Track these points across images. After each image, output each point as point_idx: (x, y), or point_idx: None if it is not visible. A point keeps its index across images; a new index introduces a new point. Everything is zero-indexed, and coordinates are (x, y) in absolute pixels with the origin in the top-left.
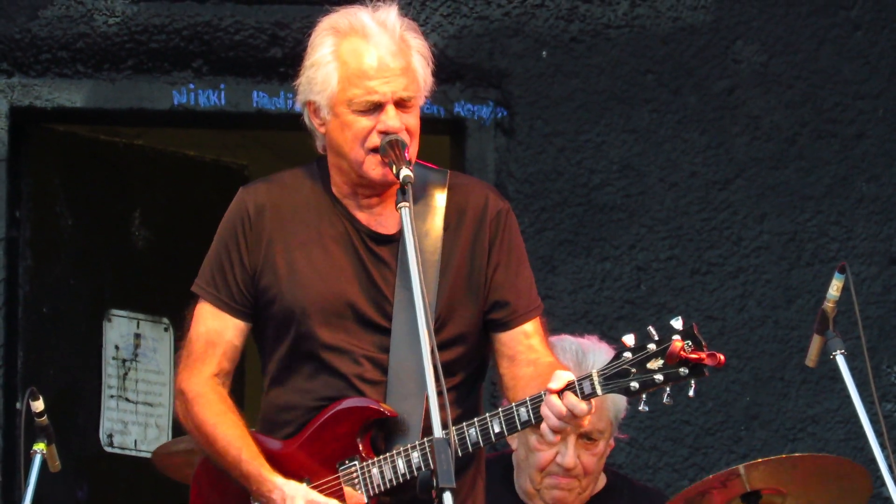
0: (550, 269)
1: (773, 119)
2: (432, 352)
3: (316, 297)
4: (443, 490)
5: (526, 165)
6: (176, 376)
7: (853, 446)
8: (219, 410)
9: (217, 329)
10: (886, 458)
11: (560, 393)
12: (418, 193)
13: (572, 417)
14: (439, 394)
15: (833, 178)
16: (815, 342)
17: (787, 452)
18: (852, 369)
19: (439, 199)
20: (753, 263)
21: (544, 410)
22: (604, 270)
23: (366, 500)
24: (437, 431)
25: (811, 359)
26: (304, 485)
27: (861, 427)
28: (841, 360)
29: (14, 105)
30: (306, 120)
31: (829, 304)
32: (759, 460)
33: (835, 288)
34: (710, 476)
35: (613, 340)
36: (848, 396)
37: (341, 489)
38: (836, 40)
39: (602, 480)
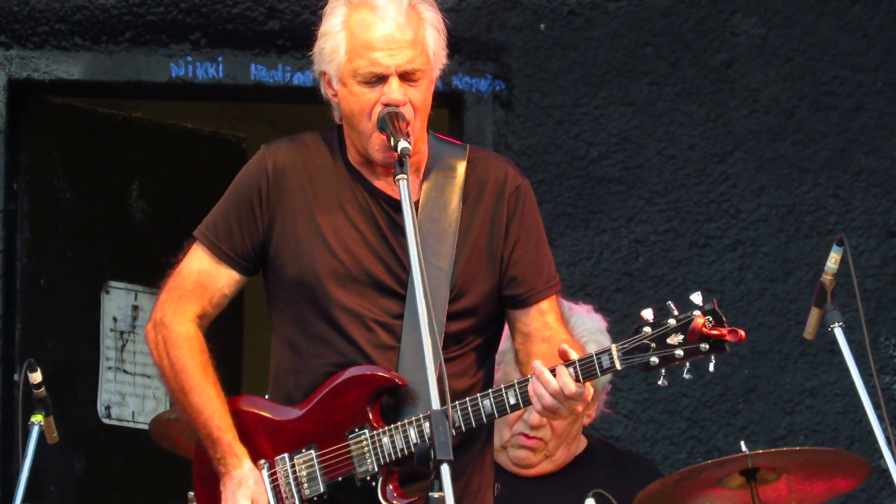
0: (549, 242)
1: (772, 92)
2: (431, 328)
3: (331, 261)
4: (440, 462)
5: (524, 138)
6: (157, 303)
7: (851, 419)
8: (199, 361)
9: (210, 272)
10: (884, 430)
11: (555, 370)
12: (437, 165)
13: (564, 398)
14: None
15: (831, 151)
16: (814, 315)
17: (784, 425)
18: (850, 342)
19: (459, 172)
20: (752, 236)
21: (538, 389)
22: (602, 243)
23: (376, 469)
24: (435, 404)
25: (809, 331)
26: (265, 472)
27: (859, 399)
28: (839, 333)
29: (12, 77)
30: (321, 90)
31: (827, 277)
32: (760, 451)
33: (833, 260)
34: (710, 461)
35: (611, 313)
36: (846, 369)
37: (350, 458)
38: (835, 13)
39: (583, 444)
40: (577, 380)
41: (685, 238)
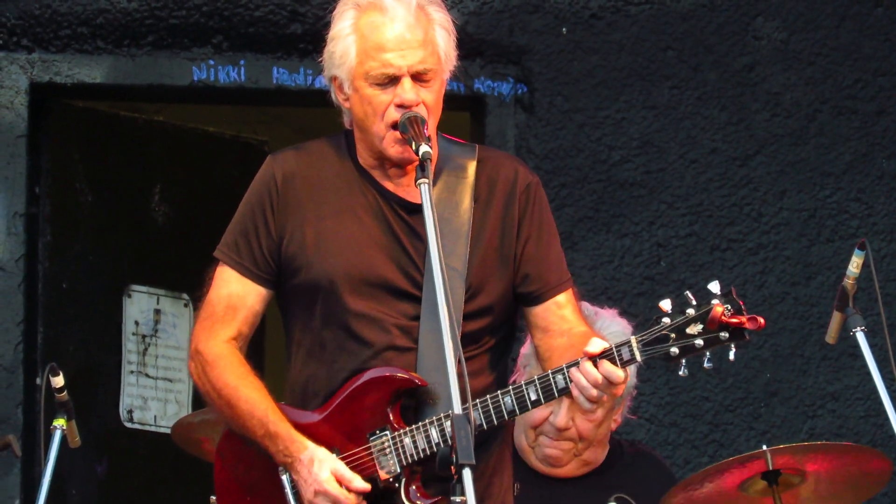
0: (570, 246)
1: (794, 96)
2: (451, 327)
3: (345, 266)
4: (462, 466)
5: (546, 142)
6: (192, 336)
7: (873, 423)
8: (240, 373)
9: (239, 293)
10: None
11: (595, 361)
12: (447, 166)
13: (608, 385)
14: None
15: (853, 155)
16: (835, 319)
17: (806, 429)
18: (872, 346)
19: (469, 171)
20: (773, 240)
21: (578, 378)
22: (623, 247)
23: (399, 470)
24: (457, 407)
25: (831, 335)
26: (286, 477)
27: (881, 404)
28: (861, 337)
29: (34, 81)
30: (332, 95)
31: (848, 281)
32: (783, 446)
33: (855, 264)
34: (731, 458)
35: (633, 317)
36: (868, 373)
37: (372, 460)
38: (857, 17)
39: (608, 449)
40: None
41: (707, 242)
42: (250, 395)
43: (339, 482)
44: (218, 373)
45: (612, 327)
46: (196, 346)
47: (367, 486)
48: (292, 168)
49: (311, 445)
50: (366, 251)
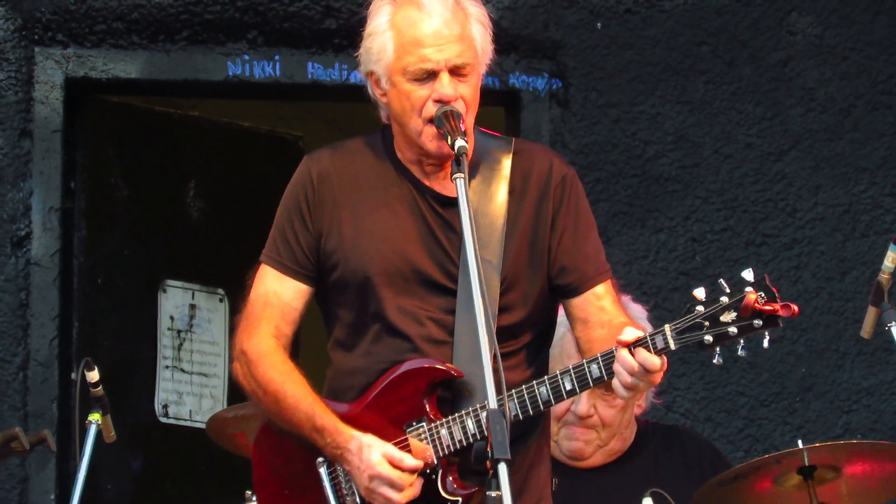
0: (605, 241)
1: (828, 91)
2: (487, 321)
3: (381, 260)
4: (498, 461)
5: (580, 137)
6: (234, 338)
7: None
8: (284, 370)
9: (276, 291)
10: None
11: (631, 349)
12: (483, 159)
13: (645, 373)
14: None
15: (888, 150)
16: (870, 313)
17: (842, 424)
18: None
19: (504, 164)
20: (808, 235)
21: (616, 366)
22: (658, 242)
23: (435, 461)
24: (492, 402)
25: (866, 330)
26: (324, 469)
27: None
28: None
29: (69, 76)
30: (369, 90)
31: (884, 276)
32: (818, 444)
33: (890, 259)
34: (767, 455)
35: (668, 312)
36: None
37: (409, 451)
38: (891, 11)
39: (634, 433)
40: None
41: (742, 237)
42: (296, 391)
43: (391, 464)
44: (263, 370)
45: (631, 312)
46: (240, 347)
47: (419, 464)
48: (327, 166)
49: (356, 434)
50: (401, 245)
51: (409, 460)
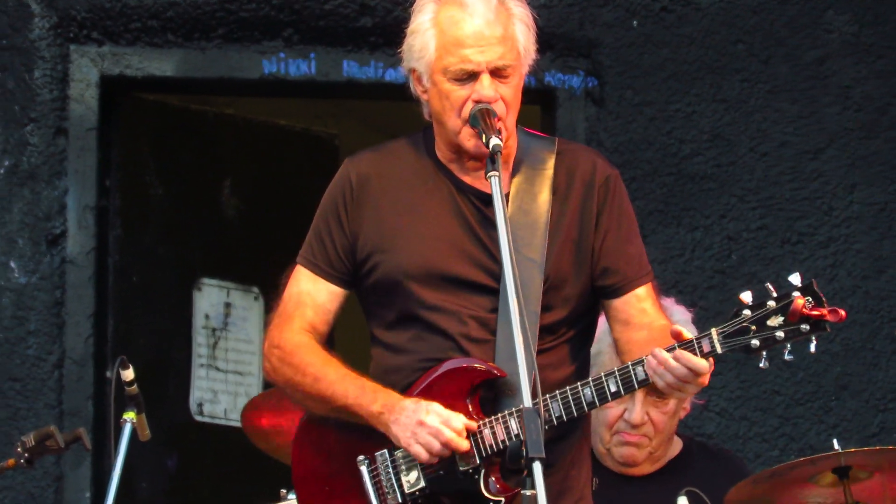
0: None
1: (864, 89)
2: (522, 321)
3: (420, 261)
4: (532, 460)
5: (616, 135)
6: (266, 337)
7: None
8: (324, 356)
9: (310, 291)
10: None
11: (678, 352)
12: (527, 159)
13: (693, 376)
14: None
15: None
16: None
17: (877, 423)
18: None
19: (548, 164)
20: (844, 233)
21: (661, 369)
22: (694, 240)
23: (477, 461)
24: (527, 401)
25: None
26: (365, 468)
27: None
28: None
29: (104, 74)
30: (411, 87)
31: None
32: (853, 450)
33: None
34: (802, 458)
35: (703, 310)
36: None
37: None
38: None
39: (678, 446)
40: None
41: (778, 235)
42: (338, 369)
43: (442, 420)
44: (300, 357)
45: (675, 316)
46: (272, 342)
47: (462, 428)
48: (367, 169)
49: (404, 399)
50: (441, 246)
51: (456, 420)
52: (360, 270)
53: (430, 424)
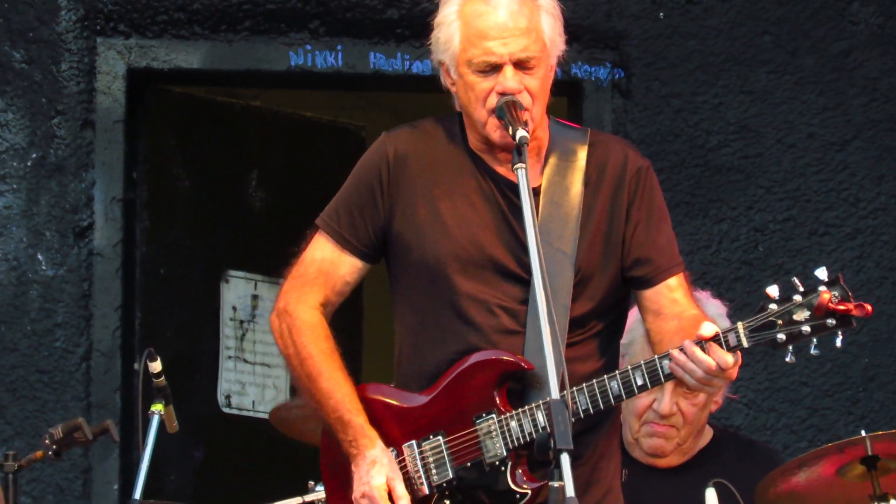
0: None
1: (891, 80)
2: (550, 313)
3: (455, 247)
4: (560, 451)
5: (643, 126)
6: (280, 292)
7: None
8: (325, 348)
9: (332, 260)
10: None
11: (704, 345)
12: (558, 150)
13: (720, 370)
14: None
15: None
16: None
17: None
18: None
19: (580, 155)
20: (871, 225)
21: (689, 364)
22: (721, 231)
23: (505, 454)
24: (554, 392)
25: None
26: (393, 455)
27: None
28: None
29: (131, 66)
30: (441, 79)
31: None
32: (881, 433)
33: None
34: (830, 444)
35: (730, 301)
36: None
37: (478, 443)
38: None
39: (708, 435)
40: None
41: (804, 227)
42: (332, 375)
43: (390, 494)
44: (304, 341)
45: (709, 310)
46: (285, 306)
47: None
48: (406, 147)
49: (379, 445)
50: (476, 232)
51: (404, 502)
52: (391, 249)
53: (375, 486)
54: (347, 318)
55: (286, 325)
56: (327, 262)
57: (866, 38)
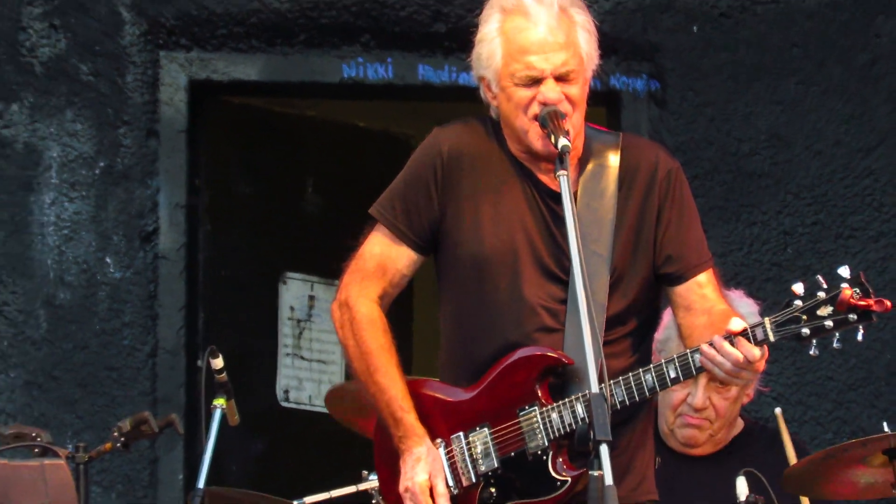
0: None
1: None
2: (590, 314)
3: (500, 245)
4: (599, 443)
5: (678, 135)
6: (341, 284)
7: None
8: (383, 343)
9: (390, 255)
10: None
11: (732, 339)
12: (592, 154)
13: (748, 363)
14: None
15: None
16: None
17: None
18: None
19: (612, 159)
20: (894, 228)
21: (713, 354)
22: (752, 235)
23: (546, 444)
24: (594, 386)
25: None
26: (442, 450)
27: None
28: None
29: (192, 78)
30: (481, 94)
31: None
32: None
33: None
34: (854, 440)
35: (762, 300)
36: None
37: (521, 434)
38: None
39: (739, 427)
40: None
41: (831, 230)
42: (388, 371)
43: (431, 490)
44: (365, 335)
45: (741, 309)
46: (346, 299)
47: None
48: (458, 144)
49: (426, 443)
50: (520, 233)
51: (443, 501)
52: (440, 245)
53: (417, 482)
54: (398, 314)
55: (347, 318)
56: (385, 256)
57: (890, 50)
